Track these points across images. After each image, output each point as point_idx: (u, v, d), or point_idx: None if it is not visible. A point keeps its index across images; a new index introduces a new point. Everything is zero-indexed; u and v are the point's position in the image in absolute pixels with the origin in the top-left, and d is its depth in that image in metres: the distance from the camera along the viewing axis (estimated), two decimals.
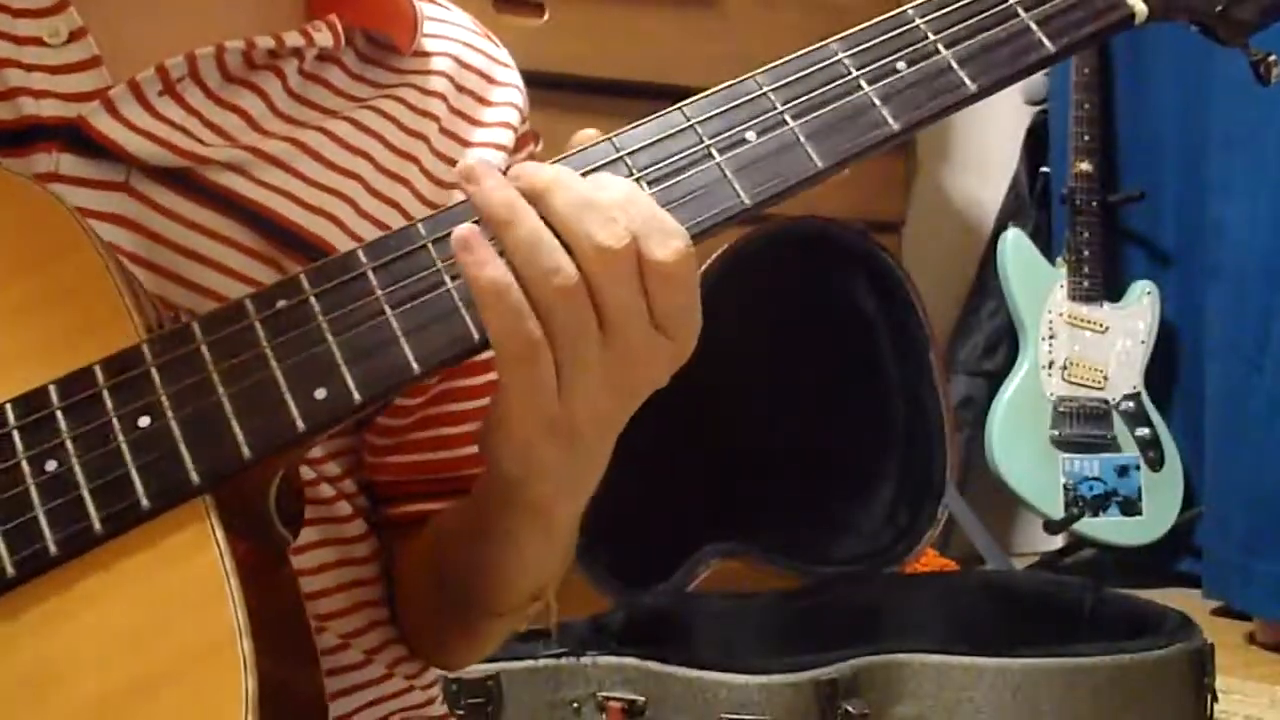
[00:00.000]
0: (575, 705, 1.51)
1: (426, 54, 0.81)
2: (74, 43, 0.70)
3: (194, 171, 0.70)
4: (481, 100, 0.82)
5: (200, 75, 0.72)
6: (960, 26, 0.66)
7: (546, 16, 2.18)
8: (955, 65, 0.65)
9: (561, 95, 2.02)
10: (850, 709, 1.47)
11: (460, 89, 0.82)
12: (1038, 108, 2.92)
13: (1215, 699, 1.59)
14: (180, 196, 0.70)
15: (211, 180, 0.70)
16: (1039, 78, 2.87)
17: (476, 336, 0.60)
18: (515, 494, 0.68)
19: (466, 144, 0.81)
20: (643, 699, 1.49)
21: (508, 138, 0.82)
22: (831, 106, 0.64)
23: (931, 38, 0.66)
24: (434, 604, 0.80)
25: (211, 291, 0.69)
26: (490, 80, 0.83)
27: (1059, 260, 2.74)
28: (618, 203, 0.60)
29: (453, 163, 0.79)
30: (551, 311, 0.59)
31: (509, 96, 0.84)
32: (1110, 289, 2.73)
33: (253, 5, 0.77)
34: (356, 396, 0.59)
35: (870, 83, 0.65)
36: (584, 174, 0.62)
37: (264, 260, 0.71)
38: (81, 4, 0.70)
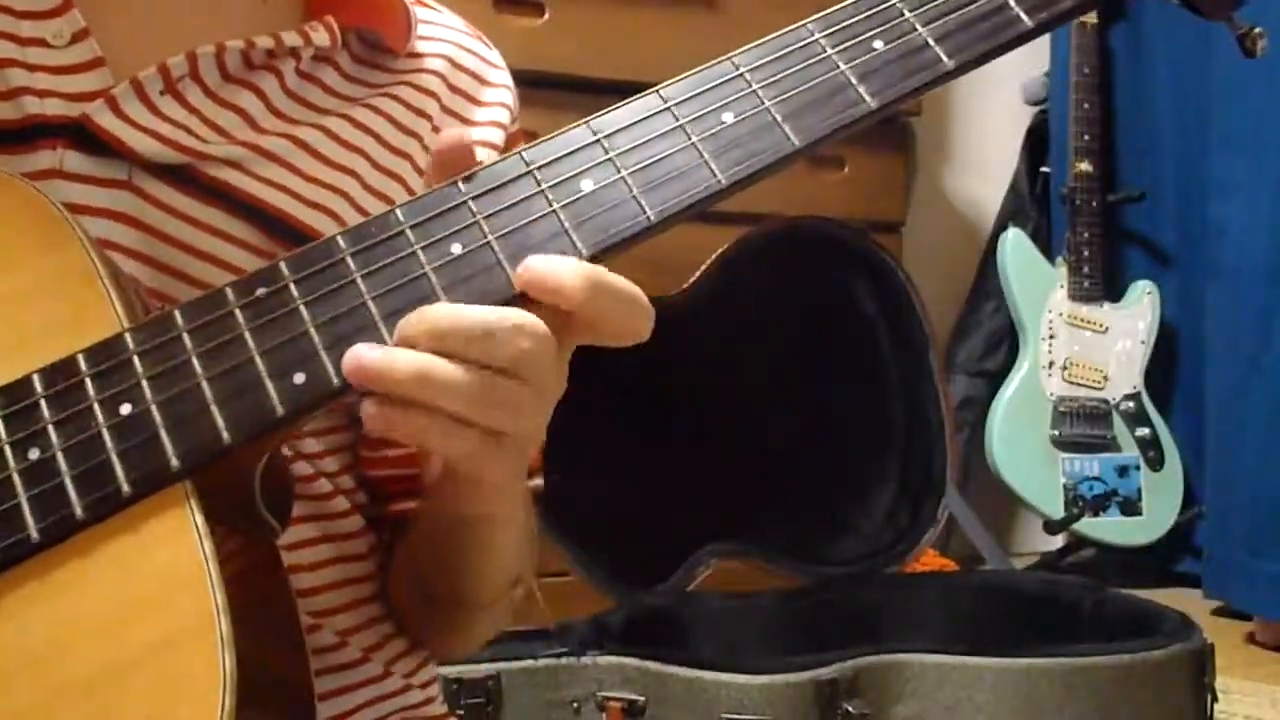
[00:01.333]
0: (575, 705, 1.51)
1: (420, 55, 0.83)
2: (77, 44, 0.71)
3: (195, 168, 0.71)
4: (473, 100, 0.84)
5: (200, 74, 0.73)
6: (937, 3, 0.66)
7: (546, 16, 2.19)
8: (931, 42, 0.65)
9: (562, 95, 2.02)
10: (850, 709, 1.47)
11: (453, 89, 0.83)
12: (1038, 108, 2.92)
13: (1215, 699, 1.58)
14: (181, 193, 0.71)
15: (212, 176, 0.71)
16: (1039, 78, 2.87)
17: None
18: (467, 517, 0.70)
19: None
20: (643, 699, 1.49)
21: (499, 136, 0.84)
22: (807, 85, 0.64)
23: (907, 15, 0.66)
24: (420, 600, 0.80)
25: (211, 286, 0.70)
26: (482, 81, 0.85)
27: (1059, 260, 2.73)
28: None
29: None
30: (485, 416, 0.59)
31: (500, 97, 0.85)
32: (1110, 289, 2.73)
33: (251, 6, 0.78)
34: (335, 381, 0.59)
35: (846, 61, 0.65)
36: (562, 158, 0.62)
37: (263, 255, 0.71)
38: (84, 5, 0.71)
